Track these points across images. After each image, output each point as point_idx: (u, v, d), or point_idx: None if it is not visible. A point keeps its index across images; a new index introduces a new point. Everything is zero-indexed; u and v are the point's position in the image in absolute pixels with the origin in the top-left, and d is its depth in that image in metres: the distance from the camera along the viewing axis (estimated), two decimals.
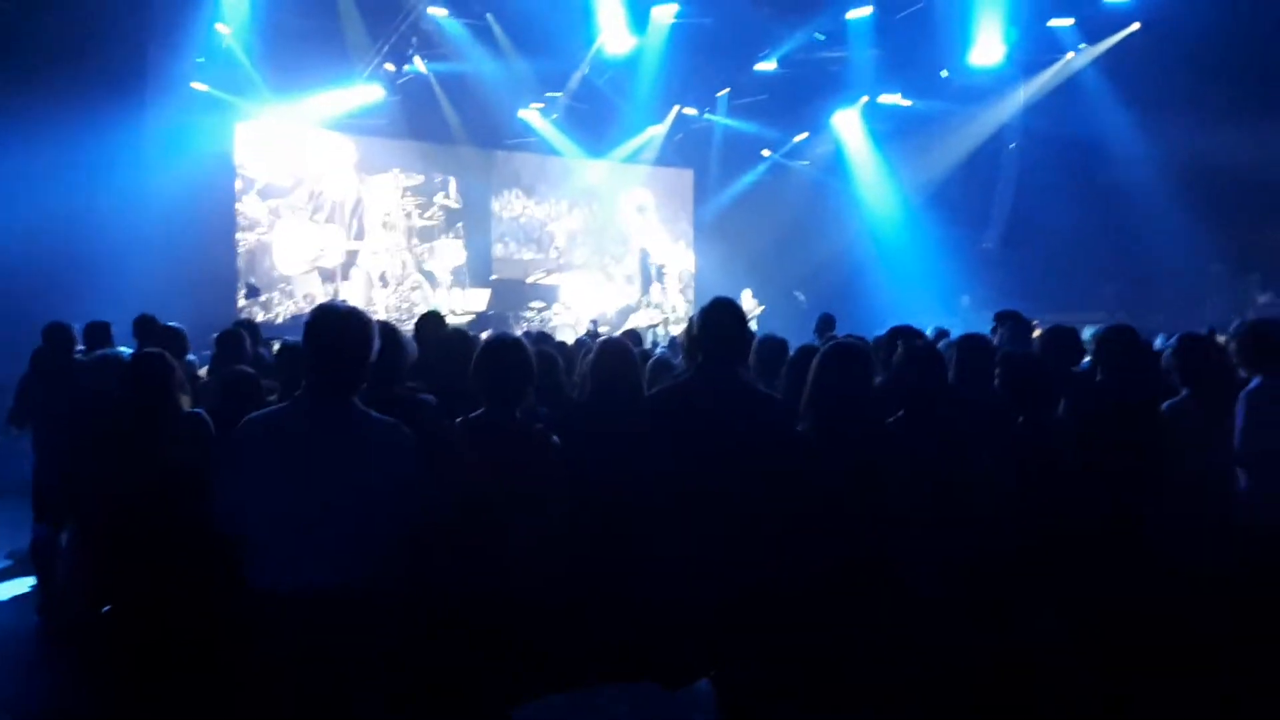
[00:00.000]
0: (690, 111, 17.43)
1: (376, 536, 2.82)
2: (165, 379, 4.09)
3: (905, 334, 5.33)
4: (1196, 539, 4.06)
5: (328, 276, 15.59)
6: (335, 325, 2.85)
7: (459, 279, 17.06)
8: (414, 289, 16.43)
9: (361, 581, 2.77)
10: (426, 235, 16.94)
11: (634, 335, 7.79)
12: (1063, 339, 4.91)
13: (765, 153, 18.56)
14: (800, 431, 3.51)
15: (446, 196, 17.15)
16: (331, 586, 2.72)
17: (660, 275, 19.29)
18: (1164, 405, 4.34)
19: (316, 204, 15.82)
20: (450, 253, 17.12)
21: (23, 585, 6.49)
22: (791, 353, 5.03)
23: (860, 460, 3.47)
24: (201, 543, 3.52)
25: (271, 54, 13.39)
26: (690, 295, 19.47)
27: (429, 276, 16.71)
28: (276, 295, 15.04)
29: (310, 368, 2.87)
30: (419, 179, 16.82)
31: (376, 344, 2.90)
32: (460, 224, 17.31)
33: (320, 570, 2.73)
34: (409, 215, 16.80)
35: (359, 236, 16.26)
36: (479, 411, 3.34)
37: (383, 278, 16.26)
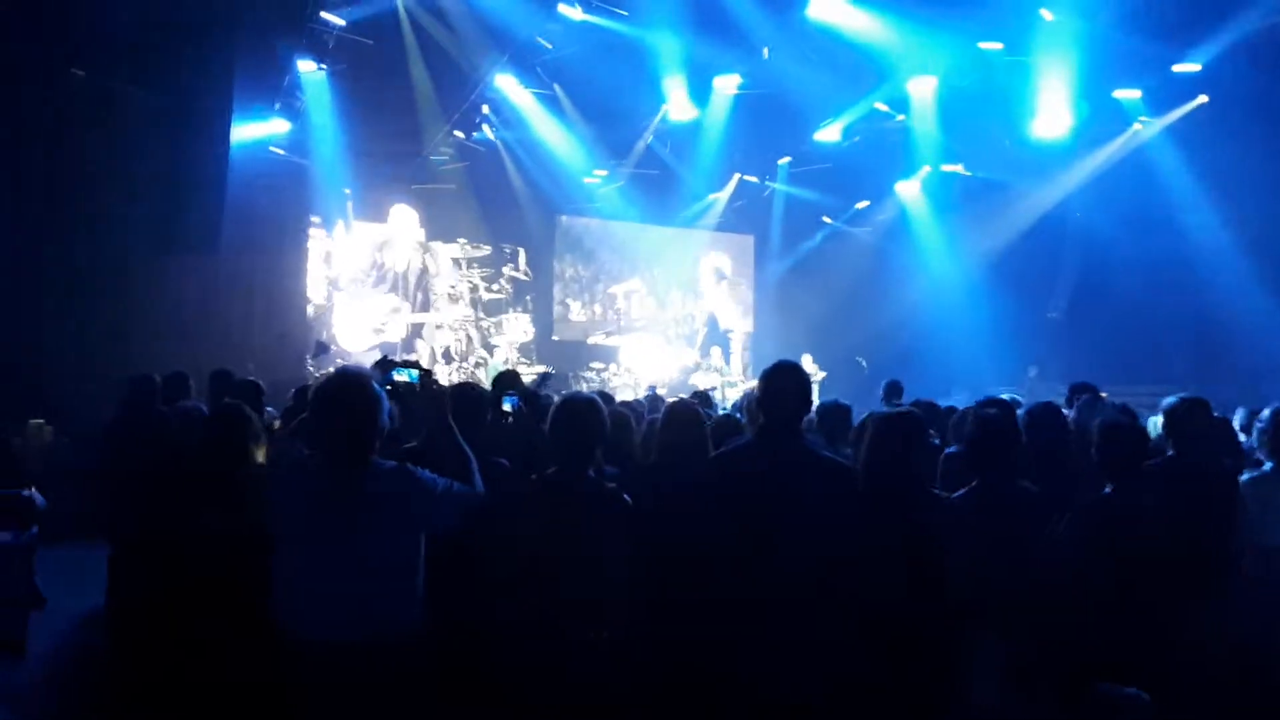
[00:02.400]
0: (752, 179, 17.64)
1: (398, 588, 2.89)
2: (243, 433, 4.16)
3: (986, 405, 5.28)
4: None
5: (390, 352, 15.71)
6: (335, 392, 2.93)
7: (525, 355, 16.64)
8: (478, 365, 15.99)
9: (383, 632, 2.84)
10: (494, 309, 16.77)
11: (704, 397, 7.78)
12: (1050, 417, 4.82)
13: (826, 219, 18.65)
14: (864, 498, 3.50)
15: (515, 268, 17.02)
16: (353, 638, 2.80)
17: (726, 340, 19.27)
18: (1243, 478, 4.24)
19: (380, 274, 15.84)
20: (517, 327, 16.78)
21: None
22: (856, 419, 5.02)
23: (916, 530, 3.44)
24: (255, 593, 3.60)
25: (347, 122, 13.87)
26: (749, 358, 19.47)
27: (494, 352, 16.36)
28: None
29: (319, 433, 2.96)
30: (486, 250, 16.70)
31: (382, 406, 2.95)
32: (529, 297, 17.17)
33: (342, 621, 2.81)
34: (475, 288, 16.64)
35: (424, 308, 16.19)
36: (552, 470, 3.38)
37: (447, 353, 16.07)
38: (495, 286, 16.83)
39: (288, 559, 2.89)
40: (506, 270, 16.98)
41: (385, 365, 3.20)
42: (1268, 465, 4.28)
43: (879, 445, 3.59)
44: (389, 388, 3.12)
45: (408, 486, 2.93)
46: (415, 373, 3.19)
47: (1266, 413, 4.39)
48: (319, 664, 2.80)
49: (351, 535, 2.84)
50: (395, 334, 15.69)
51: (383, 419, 2.93)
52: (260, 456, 4.19)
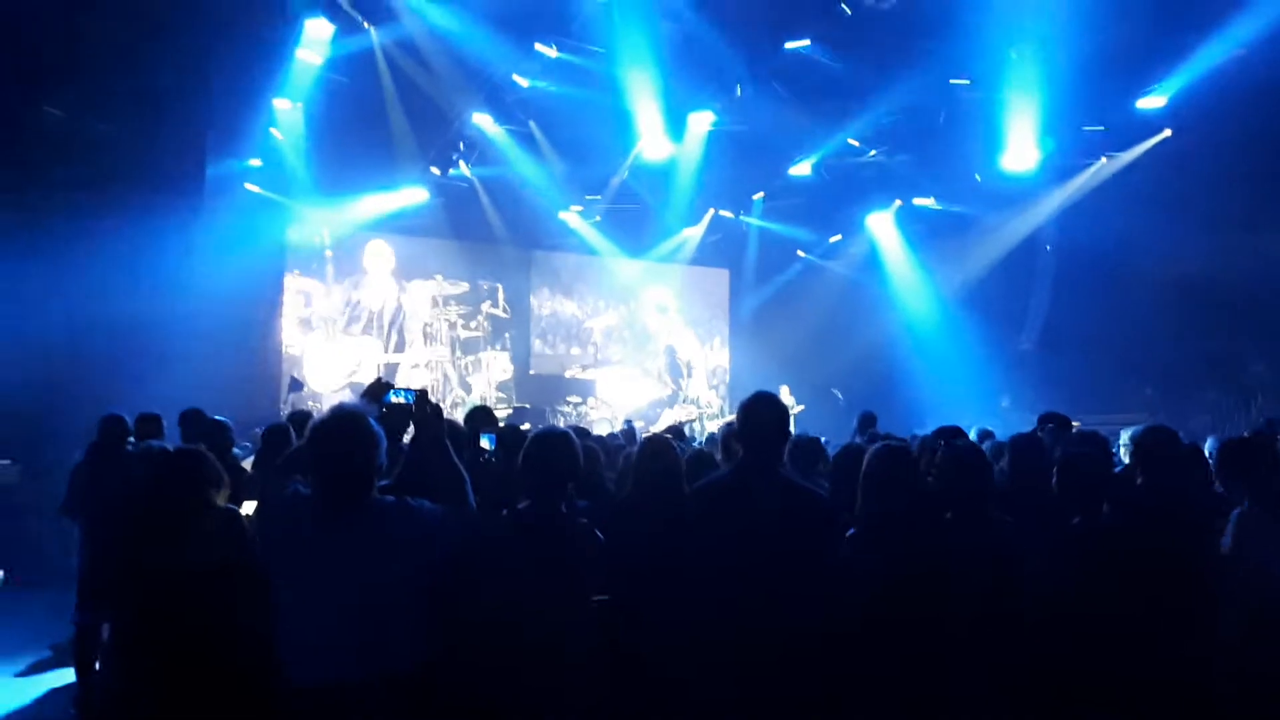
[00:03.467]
0: (726, 214, 17.78)
1: (402, 625, 2.86)
2: (195, 475, 4.08)
3: (950, 435, 5.31)
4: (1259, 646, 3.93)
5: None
6: (333, 430, 2.92)
7: (504, 393, 16.42)
8: (454, 406, 15.68)
9: (390, 670, 2.81)
10: (471, 347, 16.62)
11: (677, 431, 7.80)
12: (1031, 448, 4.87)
13: (800, 253, 18.78)
14: (848, 528, 3.50)
15: (494, 305, 16.89)
16: (359, 678, 2.76)
17: (689, 371, 19.29)
18: (1234, 513, 4.26)
19: (353, 313, 15.53)
20: (495, 366, 16.63)
21: (62, 678, 6.49)
22: (831, 450, 5.04)
23: (913, 562, 3.44)
24: (233, 640, 3.55)
25: (323, 158, 13.90)
26: (723, 392, 19.49)
27: (471, 391, 16.16)
28: (313, 410, 15.10)
29: (317, 470, 2.94)
30: (463, 286, 16.57)
31: (380, 443, 2.94)
32: (508, 334, 17.02)
33: (347, 662, 2.78)
34: (453, 325, 16.47)
35: (399, 349, 15.92)
36: (525, 504, 3.37)
37: None
38: (473, 324, 16.71)
39: (287, 597, 2.85)
40: (484, 307, 16.90)
41: (380, 389, 3.18)
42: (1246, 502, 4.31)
43: (879, 477, 3.59)
44: (384, 410, 3.10)
45: (410, 521, 2.92)
46: (411, 392, 3.18)
47: (1208, 446, 4.43)
48: (324, 710, 2.77)
49: (354, 573, 2.82)
50: (369, 376, 15.44)
51: (380, 456, 2.92)
52: (220, 498, 4.11)
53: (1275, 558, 3.94)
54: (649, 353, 19.01)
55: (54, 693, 6.31)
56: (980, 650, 3.43)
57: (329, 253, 15.47)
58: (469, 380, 16.42)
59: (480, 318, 16.80)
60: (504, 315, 17.10)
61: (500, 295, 17.08)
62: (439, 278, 16.42)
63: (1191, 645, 3.82)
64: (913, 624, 3.36)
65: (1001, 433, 7.07)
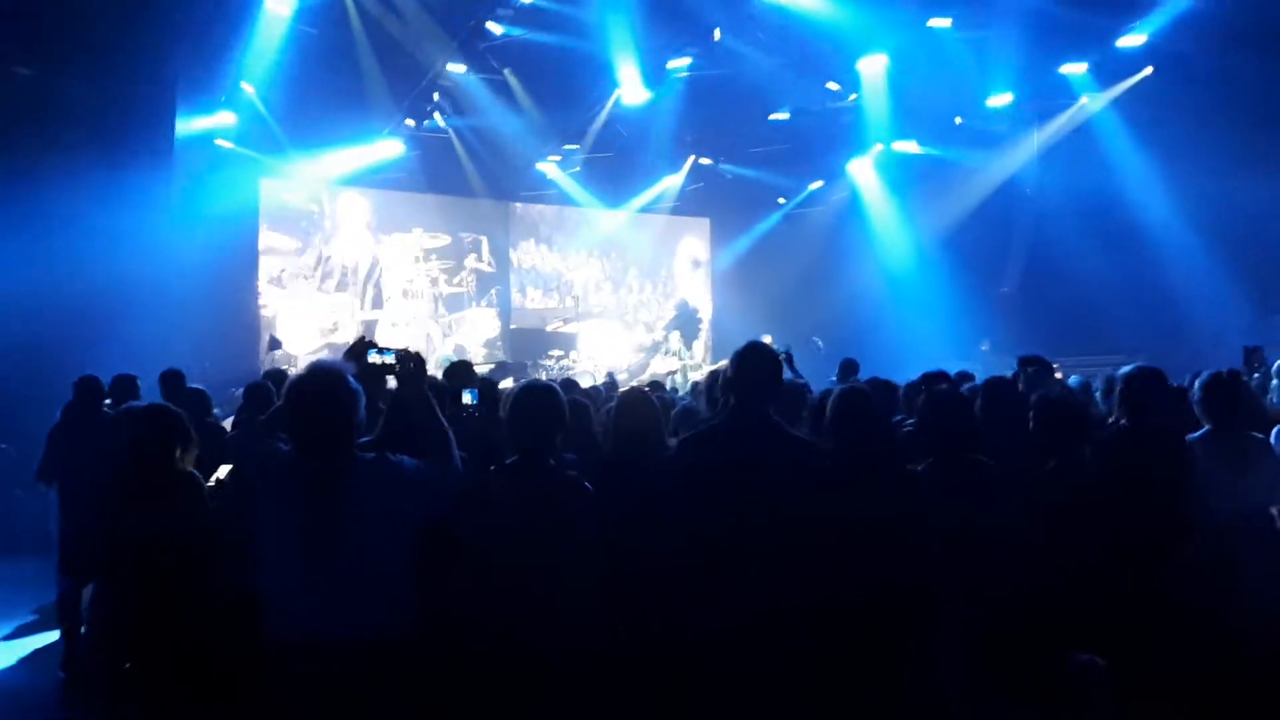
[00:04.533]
0: (706, 161, 17.62)
1: (387, 581, 2.85)
2: (170, 433, 4.05)
3: (932, 379, 5.31)
4: (1232, 581, 3.99)
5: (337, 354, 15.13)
6: (311, 387, 2.88)
7: (492, 353, 16.19)
8: (440, 366, 15.37)
9: (376, 629, 2.80)
10: (455, 304, 16.35)
11: (656, 384, 7.80)
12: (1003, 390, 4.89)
13: (780, 200, 18.69)
14: (834, 474, 3.50)
15: (479, 259, 16.61)
16: (345, 636, 2.76)
17: (696, 326, 19.22)
18: (1189, 438, 4.32)
19: (326, 269, 15.14)
20: (483, 323, 16.38)
21: (47, 640, 6.48)
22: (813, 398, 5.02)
23: (890, 503, 3.45)
24: (208, 597, 3.54)
25: (294, 111, 13.65)
26: (708, 341, 19.50)
27: (458, 353, 15.74)
28: (289, 371, 14.93)
29: (296, 429, 2.91)
30: (444, 239, 16.22)
31: (359, 400, 2.91)
32: (494, 290, 16.78)
33: (332, 620, 2.77)
34: (435, 282, 16.18)
35: (376, 305, 15.57)
36: (512, 459, 3.35)
37: None
38: (457, 280, 16.50)
39: (269, 554, 2.84)
40: (469, 262, 16.70)
41: (361, 347, 3.13)
42: (1206, 427, 4.37)
43: (843, 424, 3.59)
44: (369, 367, 3.06)
45: (391, 478, 2.90)
46: (391, 350, 3.14)
47: (1198, 382, 4.46)
48: (308, 667, 2.76)
49: (338, 530, 2.80)
50: (347, 335, 15.15)
51: (360, 412, 2.90)
52: (187, 461, 4.08)
53: (1221, 479, 4.01)
54: (631, 304, 18.95)
55: (40, 654, 6.31)
56: (961, 594, 3.45)
57: (304, 208, 15.23)
58: (452, 339, 16.25)
59: (464, 273, 16.59)
60: (489, 269, 16.92)
61: (485, 248, 16.85)
62: (418, 231, 16.17)
63: (1169, 585, 3.88)
64: (885, 568, 3.38)
65: (982, 377, 7.08)
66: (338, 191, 15.51)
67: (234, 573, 2.90)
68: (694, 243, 19.43)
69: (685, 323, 19.11)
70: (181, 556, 3.66)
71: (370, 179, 15.49)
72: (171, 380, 6.58)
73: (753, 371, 3.43)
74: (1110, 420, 5.19)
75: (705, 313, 19.53)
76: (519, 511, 3.24)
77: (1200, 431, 4.36)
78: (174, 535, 3.75)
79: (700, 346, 19.32)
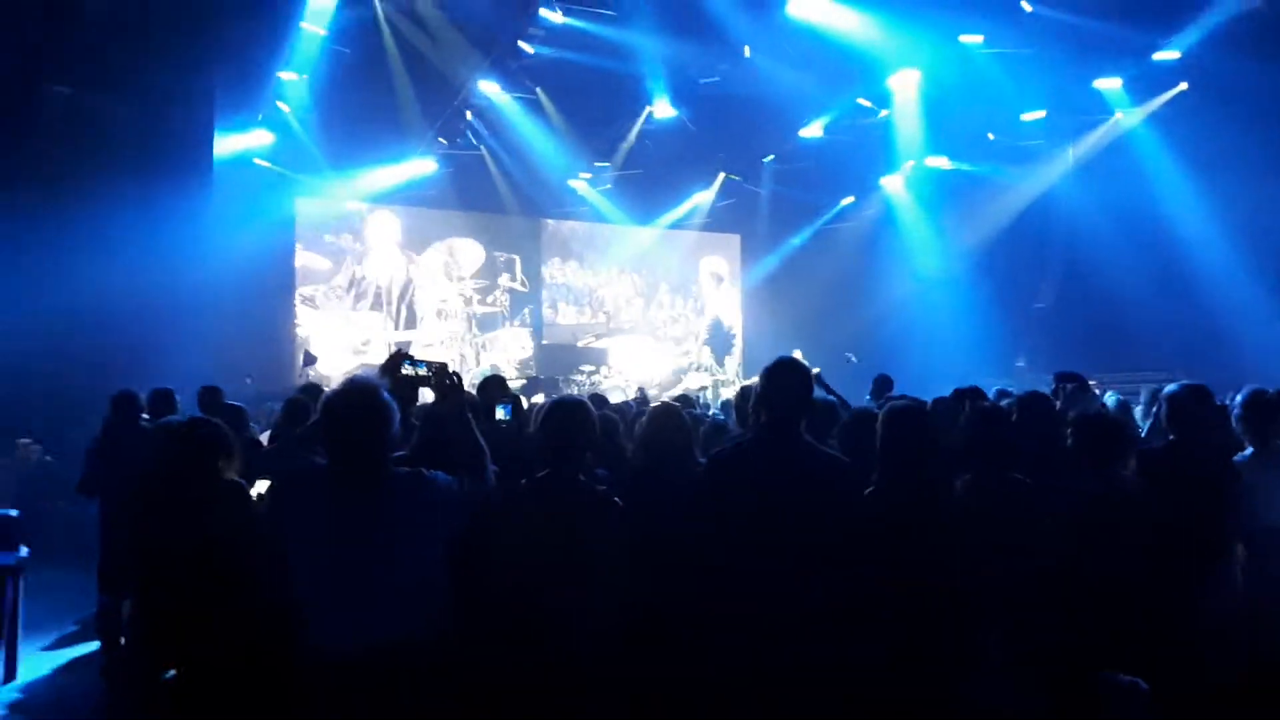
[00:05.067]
0: (736, 178, 17.63)
1: (420, 595, 2.86)
2: (211, 443, 4.09)
3: (971, 395, 5.26)
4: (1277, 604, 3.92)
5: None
6: (345, 403, 2.90)
7: (525, 371, 16.12)
8: (473, 385, 15.11)
9: (410, 644, 2.81)
10: (489, 324, 16.34)
11: (685, 399, 7.78)
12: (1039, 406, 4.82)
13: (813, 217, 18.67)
14: (869, 496, 3.47)
15: (512, 279, 16.62)
16: (378, 647, 2.77)
17: (730, 342, 19.19)
18: (1235, 458, 4.25)
19: (359, 290, 15.19)
20: (516, 343, 16.35)
21: (87, 649, 6.57)
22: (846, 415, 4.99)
23: (932, 524, 3.42)
24: (250, 608, 3.57)
25: (329, 130, 13.82)
26: (738, 358, 19.45)
27: (493, 371, 15.76)
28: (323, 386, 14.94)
29: (330, 444, 2.93)
30: (478, 259, 16.20)
31: (393, 416, 2.92)
32: (527, 309, 16.74)
33: (366, 634, 2.78)
34: (468, 301, 16.17)
35: (409, 325, 15.60)
36: (543, 472, 3.37)
37: None
38: (490, 299, 16.50)
39: (305, 572, 2.86)
40: (502, 280, 16.72)
41: (396, 361, 3.16)
42: (1249, 450, 4.30)
43: (896, 441, 3.54)
44: (401, 380, 3.08)
45: (425, 493, 2.92)
46: (426, 364, 3.16)
47: (1239, 397, 4.39)
48: (342, 679, 2.78)
49: (371, 547, 2.82)
50: (379, 355, 15.19)
51: (394, 426, 2.91)
52: (229, 470, 4.12)
53: (1266, 499, 3.95)
54: (661, 320, 18.96)
55: (79, 663, 6.39)
56: (997, 614, 3.41)
57: (338, 227, 15.37)
58: (486, 358, 16.24)
59: (498, 292, 16.59)
60: (522, 289, 16.91)
61: (518, 267, 16.84)
62: (450, 249, 16.23)
63: (1213, 607, 3.81)
64: (928, 588, 3.34)
65: (1018, 392, 7.01)
66: (371, 210, 15.66)
67: (274, 586, 2.92)
68: (715, 260, 19.39)
69: (717, 339, 19.08)
70: (227, 567, 3.69)
71: (404, 197, 15.62)
72: (208, 396, 6.64)
73: (783, 387, 3.42)
74: (1147, 438, 5.14)
75: (737, 329, 19.49)
76: (548, 526, 3.25)
77: (1245, 452, 4.29)
78: (220, 544, 3.78)
79: (732, 362, 19.29)
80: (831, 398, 5.25)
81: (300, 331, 14.87)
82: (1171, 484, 3.97)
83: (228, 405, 6.32)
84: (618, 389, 16.46)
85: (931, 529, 3.40)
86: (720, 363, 18.97)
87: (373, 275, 15.50)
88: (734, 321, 19.49)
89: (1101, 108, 14.44)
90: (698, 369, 18.58)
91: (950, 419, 4.80)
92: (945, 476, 3.57)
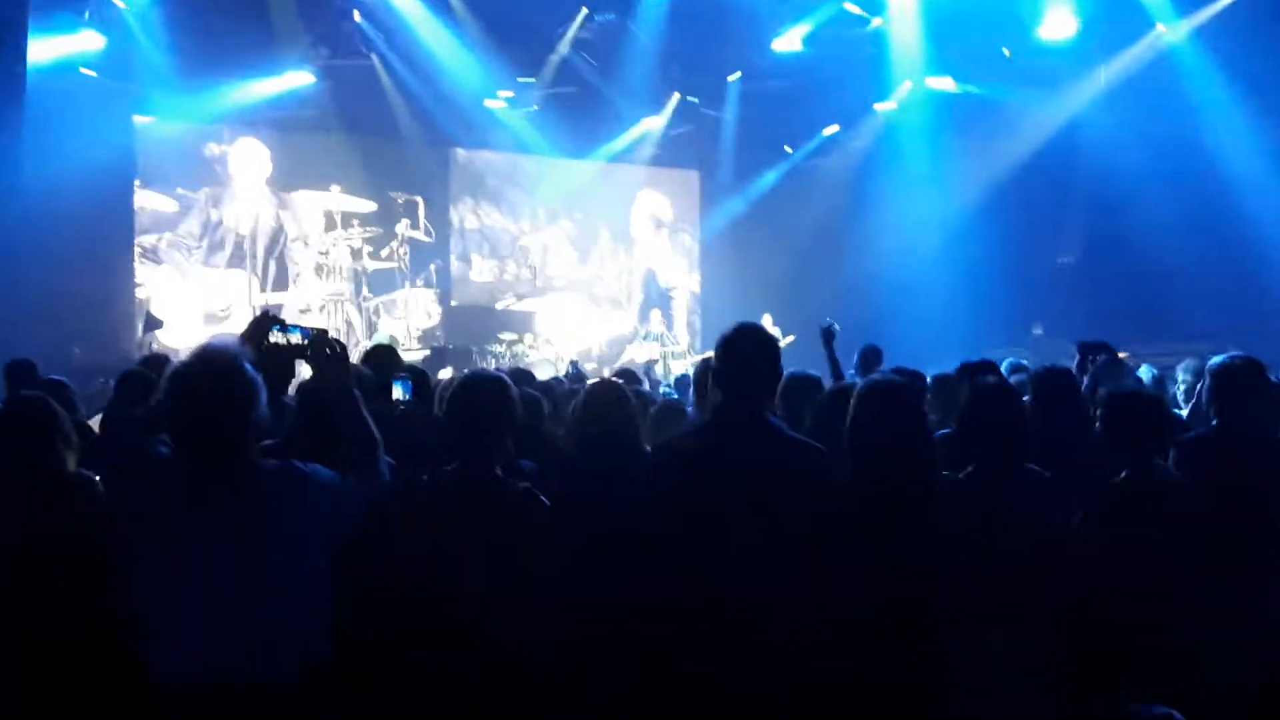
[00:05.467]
0: (694, 100, 17.61)
1: (292, 619, 2.87)
2: (45, 430, 4.06)
3: (979, 370, 5.32)
4: None
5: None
6: (197, 378, 2.87)
7: (430, 342, 15.95)
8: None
9: (279, 671, 2.81)
10: (383, 283, 16.12)
11: (629, 374, 7.80)
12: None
13: (787, 150, 18.72)
14: (839, 490, 3.50)
15: (413, 226, 16.32)
16: (237, 683, 2.77)
17: (667, 301, 19.23)
18: None
19: (215, 239, 14.83)
20: (419, 307, 16.14)
21: None
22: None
23: (915, 525, 3.46)
24: (90, 630, 3.53)
25: (178, 34, 13.46)
26: (695, 323, 19.52)
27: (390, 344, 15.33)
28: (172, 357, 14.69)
29: (179, 429, 2.91)
30: (368, 203, 15.91)
31: (258, 393, 2.90)
32: (434, 265, 16.60)
33: (227, 659, 2.78)
34: (357, 254, 15.86)
35: (280, 286, 15.30)
36: (451, 466, 3.37)
37: None
38: (385, 252, 16.23)
39: (150, 582, 2.86)
40: (400, 229, 16.37)
41: (262, 326, 3.10)
42: None
43: (868, 424, 3.57)
44: (269, 349, 3.04)
45: (300, 489, 2.91)
46: (302, 330, 3.11)
47: None
48: (199, 709, 2.77)
49: (230, 559, 2.81)
50: (241, 322, 14.86)
51: (260, 408, 2.89)
52: (71, 461, 4.10)
53: None
54: (600, 277, 18.93)
55: None
56: (1007, 631, 3.48)
57: (188, 156, 14.98)
58: (381, 325, 15.97)
59: (395, 243, 16.28)
60: (426, 239, 16.68)
61: (421, 212, 16.58)
62: (335, 189, 15.90)
63: (1265, 626, 3.91)
64: (911, 599, 3.39)
65: (1034, 365, 7.14)
66: (232, 137, 15.29)
67: (116, 601, 2.89)
68: (654, 199, 19.37)
69: (653, 299, 19.08)
70: (70, 577, 3.64)
71: (273, 122, 15.27)
72: (19, 372, 6.50)
73: (742, 360, 3.44)
74: (1188, 422, 5.25)
75: (683, 287, 19.50)
76: (458, 531, 3.26)
77: None
78: (63, 551, 3.72)
79: (681, 328, 19.33)
80: (813, 373, 5.28)
81: (141, 292, 14.53)
82: (1218, 476, 4.07)
83: (47, 381, 6.18)
84: (546, 362, 16.41)
85: (915, 530, 3.44)
86: (671, 329, 19.00)
87: (233, 221, 15.10)
88: (678, 278, 19.50)
89: (1140, 18, 14.62)
90: (646, 338, 18.61)
91: (954, 400, 4.88)
92: (928, 465, 3.60)
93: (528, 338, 17.58)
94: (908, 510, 3.47)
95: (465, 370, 7.35)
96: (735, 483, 3.33)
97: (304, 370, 3.25)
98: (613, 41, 15.10)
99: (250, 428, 2.90)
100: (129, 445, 3.50)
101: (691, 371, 5.78)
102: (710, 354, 4.09)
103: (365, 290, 16.02)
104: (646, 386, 9.16)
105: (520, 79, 16.31)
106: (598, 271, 18.98)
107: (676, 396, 7.63)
